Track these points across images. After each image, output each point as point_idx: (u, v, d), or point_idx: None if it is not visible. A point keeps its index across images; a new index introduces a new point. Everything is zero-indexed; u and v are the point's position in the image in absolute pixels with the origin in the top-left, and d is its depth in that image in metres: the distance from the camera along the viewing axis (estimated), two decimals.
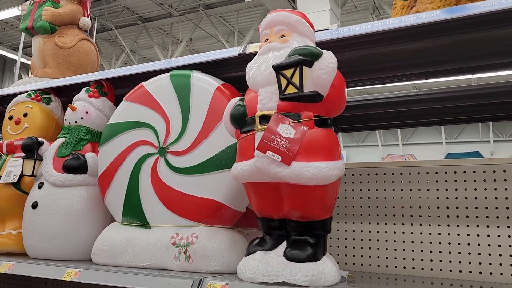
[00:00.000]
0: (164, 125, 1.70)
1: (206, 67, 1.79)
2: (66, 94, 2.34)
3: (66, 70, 2.54)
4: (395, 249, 1.70)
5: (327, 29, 1.60)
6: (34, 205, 1.83)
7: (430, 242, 1.65)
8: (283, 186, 1.29)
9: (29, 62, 15.77)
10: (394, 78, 1.76)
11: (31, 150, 1.90)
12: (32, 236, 1.83)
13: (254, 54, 1.70)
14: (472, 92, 2.08)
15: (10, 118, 2.19)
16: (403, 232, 1.70)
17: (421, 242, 1.66)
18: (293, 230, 1.34)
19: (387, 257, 1.72)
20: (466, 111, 2.22)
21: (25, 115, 2.16)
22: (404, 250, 1.69)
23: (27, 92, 2.24)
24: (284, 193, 1.31)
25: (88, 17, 2.70)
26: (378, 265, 1.73)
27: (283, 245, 1.35)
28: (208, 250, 1.51)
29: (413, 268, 1.66)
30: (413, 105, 2.15)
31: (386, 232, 1.72)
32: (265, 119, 1.30)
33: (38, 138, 1.94)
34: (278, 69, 1.29)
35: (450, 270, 1.61)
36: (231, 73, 1.83)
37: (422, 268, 1.64)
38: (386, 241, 1.72)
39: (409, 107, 2.15)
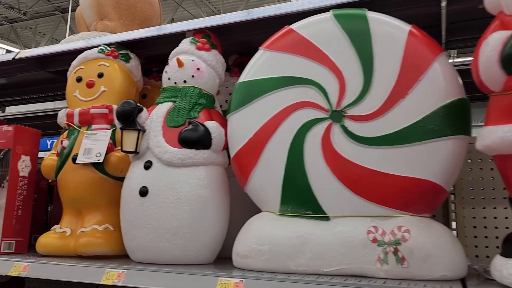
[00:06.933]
0: (336, 81, 1.25)
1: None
2: (138, 53, 1.85)
3: (130, 23, 2.02)
4: None
5: None
6: (143, 192, 1.35)
7: None
8: None
9: None
10: None
11: (130, 118, 1.41)
12: (143, 233, 1.35)
13: None
14: None
15: (79, 79, 1.67)
16: None
17: None
18: None
19: None
20: None
21: (100, 75, 1.65)
22: None
23: (97, 47, 1.72)
24: None
25: None
26: None
27: None
28: (430, 249, 1.09)
29: None
30: None
31: None
32: None
33: (138, 104, 1.44)
34: None
35: None
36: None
37: None
38: None
39: None
